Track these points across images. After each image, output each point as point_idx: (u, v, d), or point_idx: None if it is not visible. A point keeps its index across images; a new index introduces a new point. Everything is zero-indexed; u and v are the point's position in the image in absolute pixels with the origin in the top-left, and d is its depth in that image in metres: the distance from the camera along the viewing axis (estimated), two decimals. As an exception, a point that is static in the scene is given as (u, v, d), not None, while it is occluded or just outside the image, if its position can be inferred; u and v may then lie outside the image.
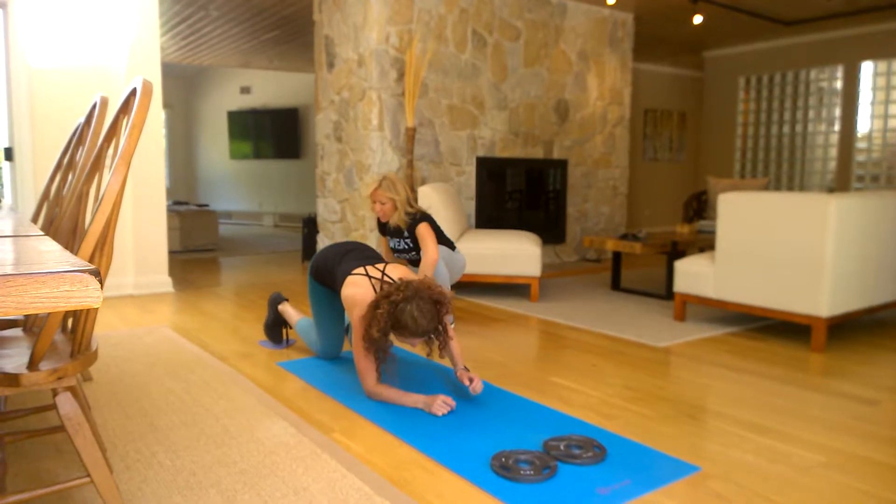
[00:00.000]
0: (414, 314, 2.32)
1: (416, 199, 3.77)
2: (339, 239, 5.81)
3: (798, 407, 2.55)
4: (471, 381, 2.47)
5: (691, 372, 3.00)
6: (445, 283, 3.61)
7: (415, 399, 2.47)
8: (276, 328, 3.35)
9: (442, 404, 2.40)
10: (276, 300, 3.34)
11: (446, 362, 2.93)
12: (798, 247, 3.36)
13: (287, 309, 3.30)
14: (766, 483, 1.90)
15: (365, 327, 2.40)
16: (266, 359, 3.12)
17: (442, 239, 3.80)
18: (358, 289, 2.58)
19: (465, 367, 2.57)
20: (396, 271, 2.66)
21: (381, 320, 2.33)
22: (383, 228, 3.93)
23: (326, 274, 2.86)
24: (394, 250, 3.88)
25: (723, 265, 3.69)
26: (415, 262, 3.81)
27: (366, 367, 2.52)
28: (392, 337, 2.44)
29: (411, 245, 3.76)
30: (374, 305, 2.38)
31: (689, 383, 2.83)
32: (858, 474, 1.97)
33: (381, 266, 2.68)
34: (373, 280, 2.62)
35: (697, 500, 1.79)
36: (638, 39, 7.75)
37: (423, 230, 3.64)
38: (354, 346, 2.53)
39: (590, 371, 2.99)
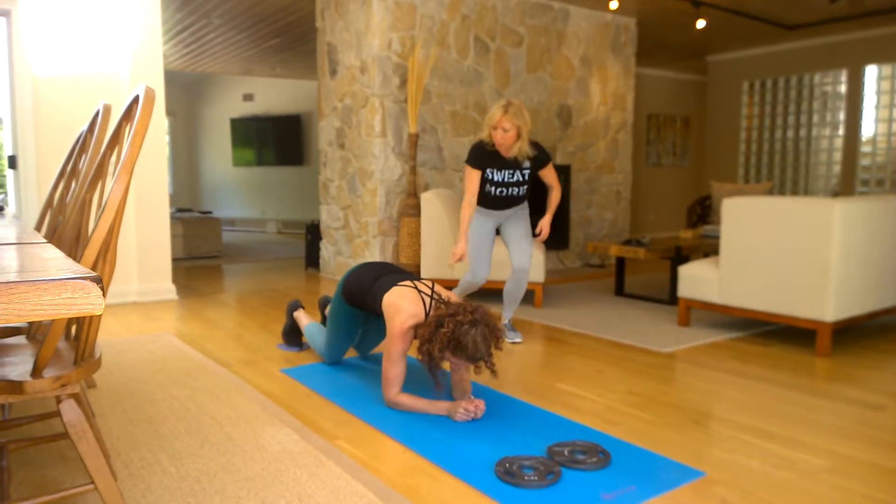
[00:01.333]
0: (477, 339, 2.32)
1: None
2: (343, 246, 5.81)
3: (803, 412, 2.54)
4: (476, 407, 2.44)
5: (696, 377, 2.99)
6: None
7: (438, 406, 2.46)
8: (293, 334, 3.43)
9: (464, 412, 2.39)
10: (293, 307, 3.42)
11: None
12: (803, 251, 3.35)
13: (300, 316, 3.37)
14: (771, 489, 1.89)
15: (424, 342, 2.38)
16: (270, 366, 3.12)
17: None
18: (404, 300, 2.53)
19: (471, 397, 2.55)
20: (443, 290, 2.65)
21: (444, 339, 2.32)
22: (482, 159, 3.47)
23: (358, 293, 2.79)
24: (498, 184, 3.49)
25: (727, 270, 3.69)
26: (516, 200, 3.58)
27: (394, 377, 2.50)
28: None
29: (526, 178, 3.53)
30: (438, 323, 2.35)
31: (694, 389, 2.82)
32: (864, 480, 1.96)
33: (428, 282, 2.66)
34: (422, 294, 2.57)
35: (703, 507, 1.78)
36: (641, 44, 7.76)
37: (552, 172, 3.60)
38: (387, 354, 2.50)
39: (594, 377, 2.98)
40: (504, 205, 3.57)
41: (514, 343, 3.59)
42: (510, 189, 3.52)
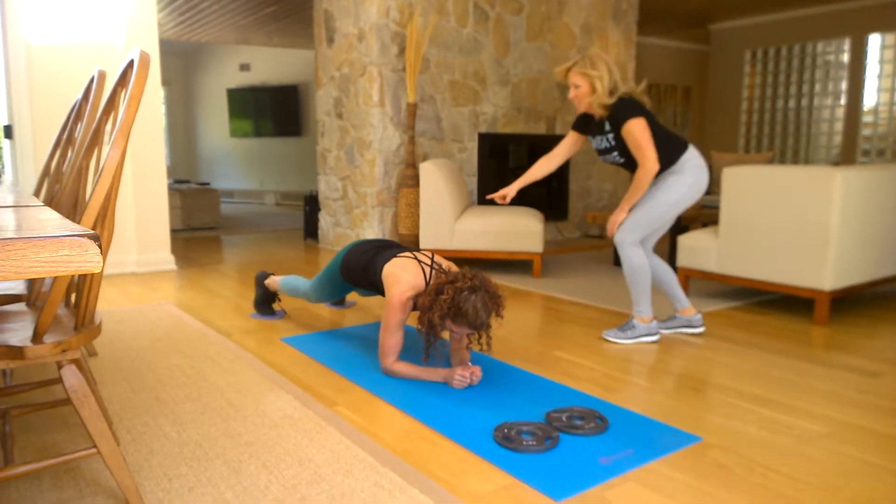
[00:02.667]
0: (477, 305, 2.30)
1: (621, 84, 2.91)
2: (341, 217, 5.80)
3: (800, 379, 2.56)
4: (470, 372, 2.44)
5: (693, 346, 3.00)
6: (636, 277, 2.98)
7: (435, 373, 2.47)
8: (265, 304, 3.45)
9: (460, 378, 2.40)
10: (262, 276, 3.43)
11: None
12: (802, 220, 3.35)
13: (272, 281, 3.37)
14: (767, 453, 1.91)
15: (424, 310, 2.37)
16: (270, 334, 3.14)
17: (665, 142, 2.90)
18: (404, 270, 2.52)
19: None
20: (443, 260, 2.63)
21: (444, 306, 2.31)
22: (581, 122, 3.13)
23: (357, 267, 2.77)
24: (598, 152, 3.09)
25: (726, 239, 3.68)
26: (626, 167, 3.04)
27: (391, 346, 2.51)
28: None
29: (613, 143, 2.96)
30: (438, 290, 2.35)
31: (692, 357, 2.84)
32: (860, 444, 1.98)
33: (427, 253, 2.66)
34: (422, 265, 2.56)
35: (699, 470, 1.80)
36: (642, 12, 7.66)
37: (636, 129, 2.82)
38: (385, 323, 2.50)
39: (592, 345, 3.00)
40: (630, 166, 3.03)
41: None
42: (606, 157, 3.05)
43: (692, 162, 2.94)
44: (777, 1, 7.80)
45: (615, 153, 2.99)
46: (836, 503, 1.64)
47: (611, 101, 2.89)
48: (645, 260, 3.00)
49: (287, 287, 3.25)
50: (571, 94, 2.97)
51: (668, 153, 2.92)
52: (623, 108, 2.86)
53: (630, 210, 2.98)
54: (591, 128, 3.07)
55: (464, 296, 2.30)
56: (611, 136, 2.96)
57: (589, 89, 2.91)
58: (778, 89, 8.69)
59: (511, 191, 3.21)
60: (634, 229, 2.96)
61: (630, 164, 3.01)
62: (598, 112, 2.95)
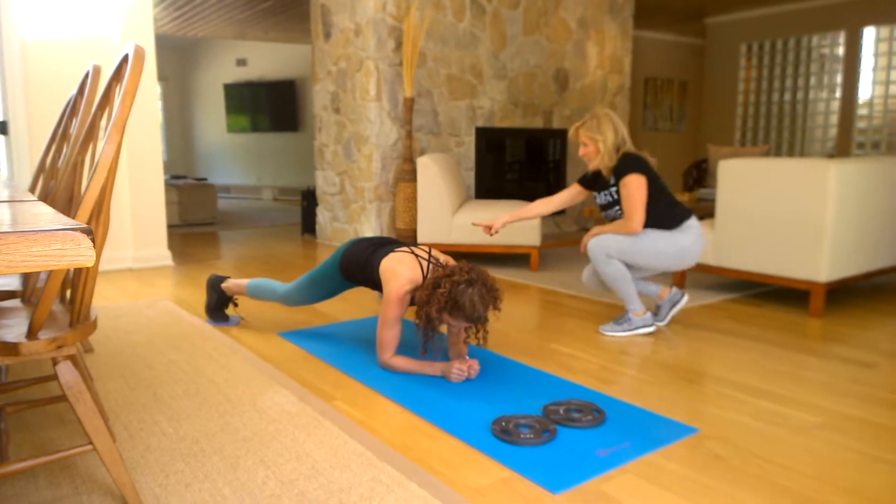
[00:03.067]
0: (474, 298, 2.30)
1: (629, 140, 3.05)
2: (339, 211, 5.79)
3: (796, 371, 2.56)
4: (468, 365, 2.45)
5: (690, 338, 3.01)
6: (616, 279, 3.01)
7: (432, 367, 2.47)
8: (219, 309, 3.22)
9: (457, 372, 2.40)
10: (216, 280, 3.19)
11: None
12: (798, 213, 3.35)
13: (230, 285, 3.15)
14: (763, 444, 1.92)
15: (422, 304, 2.37)
16: (267, 330, 3.13)
17: (660, 208, 2.98)
18: (402, 265, 2.51)
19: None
20: (441, 255, 2.63)
21: (441, 300, 2.31)
22: (589, 178, 3.23)
23: (356, 263, 2.72)
24: (601, 207, 3.17)
25: (722, 232, 3.69)
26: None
27: (388, 340, 2.51)
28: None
29: (616, 198, 3.03)
30: (435, 284, 2.35)
31: (688, 349, 2.85)
32: (855, 435, 1.99)
33: (425, 247, 2.65)
34: (420, 259, 2.55)
35: (695, 461, 1.81)
36: (638, 6, 7.65)
37: (633, 184, 2.91)
38: (383, 317, 2.50)
39: (589, 338, 3.00)
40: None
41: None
42: (608, 213, 3.13)
43: (694, 229, 3.02)
44: (773, -6, 7.80)
45: (617, 207, 3.06)
46: (831, 493, 1.65)
47: (616, 157, 3.00)
48: (620, 265, 3.02)
49: (257, 290, 3.07)
50: (581, 151, 3.08)
51: (675, 215, 3.01)
52: (628, 163, 2.96)
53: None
54: (597, 184, 3.16)
55: (461, 289, 2.30)
56: (614, 190, 3.04)
57: (595, 150, 3.03)
58: (773, 82, 8.69)
59: (498, 224, 3.20)
60: (609, 247, 3.00)
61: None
62: (605, 168, 3.04)
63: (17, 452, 1.85)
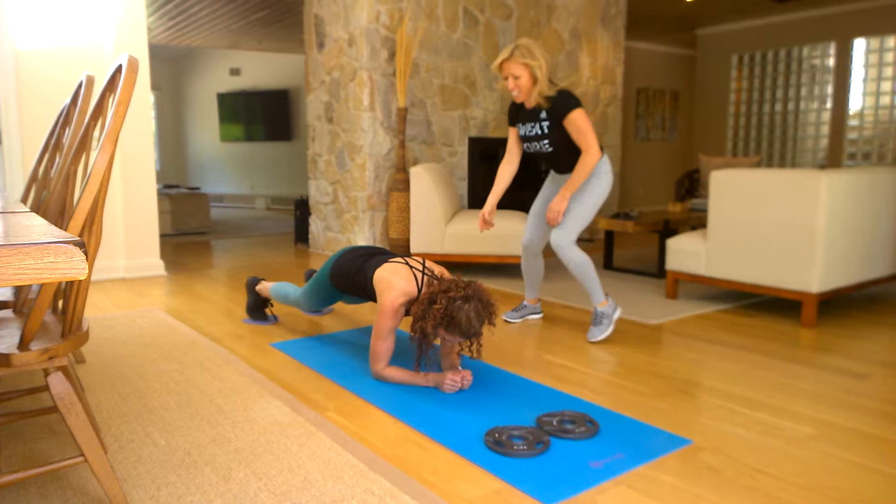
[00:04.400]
0: (470, 315, 2.30)
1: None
2: (332, 221, 5.79)
3: (789, 381, 2.57)
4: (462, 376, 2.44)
5: (683, 348, 3.02)
6: (584, 271, 3.05)
7: (425, 378, 2.47)
8: (258, 309, 3.43)
9: (451, 383, 2.40)
10: (253, 282, 3.40)
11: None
12: (789, 224, 3.37)
13: (263, 287, 3.35)
14: (757, 455, 1.92)
15: (417, 319, 2.37)
16: (260, 340, 3.12)
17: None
18: (396, 276, 2.51)
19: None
20: (435, 266, 2.63)
21: (437, 315, 2.30)
22: (512, 112, 3.16)
23: (348, 274, 2.74)
24: (524, 138, 3.11)
25: (714, 243, 3.70)
26: (550, 158, 3.11)
27: (382, 352, 2.50)
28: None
29: (547, 132, 3.00)
30: (431, 300, 2.34)
31: (681, 359, 2.85)
32: (848, 446, 1.99)
33: (419, 258, 2.65)
34: (414, 270, 2.55)
35: (689, 473, 1.81)
36: (630, 17, 7.71)
37: (580, 118, 2.89)
38: (376, 329, 2.49)
39: (582, 348, 3.01)
40: (548, 164, 3.17)
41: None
42: (533, 144, 3.09)
43: (606, 166, 3.08)
44: (763, 6, 7.87)
45: (545, 141, 3.03)
46: (824, 505, 1.65)
47: (553, 90, 2.93)
48: (585, 254, 3.09)
49: (277, 294, 3.23)
50: (511, 84, 2.94)
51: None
52: (567, 98, 2.93)
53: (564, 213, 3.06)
54: (520, 116, 3.08)
55: (457, 305, 2.30)
56: (546, 124, 2.98)
57: (530, 79, 2.91)
58: (765, 93, 8.76)
59: (488, 210, 3.22)
60: (572, 232, 3.05)
61: (554, 157, 3.08)
62: (536, 101, 2.95)
63: (7, 464, 1.83)
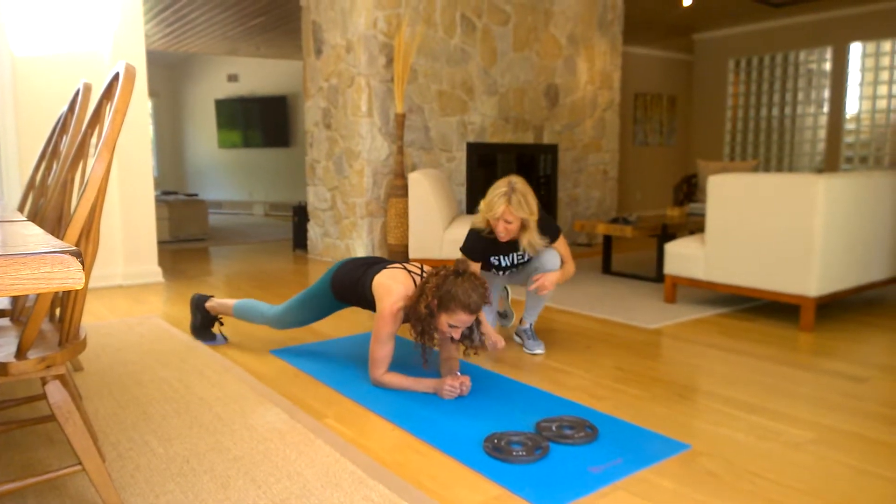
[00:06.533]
0: (465, 286, 2.31)
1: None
2: (330, 227, 5.79)
3: (788, 385, 2.57)
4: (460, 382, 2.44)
5: (682, 353, 3.01)
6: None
7: (424, 384, 2.46)
8: (205, 329, 3.19)
9: (450, 388, 2.39)
10: (200, 300, 3.17)
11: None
12: (787, 227, 3.37)
13: (215, 305, 3.13)
14: (756, 460, 1.92)
15: (412, 305, 2.38)
16: (258, 347, 3.12)
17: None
18: (395, 281, 2.50)
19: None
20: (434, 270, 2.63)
21: (430, 294, 2.31)
22: (483, 250, 3.07)
23: (349, 283, 2.71)
24: (507, 267, 3.13)
25: (713, 247, 3.71)
26: (507, 267, 3.15)
27: (381, 357, 2.50)
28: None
29: (525, 260, 3.12)
30: (424, 281, 2.38)
31: (680, 364, 2.85)
32: (848, 450, 1.99)
33: (417, 264, 2.66)
34: (413, 275, 2.55)
35: (688, 478, 1.81)
36: (628, 22, 7.73)
37: (563, 247, 3.07)
38: (376, 334, 2.48)
39: (581, 353, 3.00)
40: (505, 272, 3.19)
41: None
42: (502, 272, 3.16)
43: None
44: (759, 10, 7.90)
45: (514, 269, 3.12)
46: (824, 509, 1.65)
47: (544, 240, 2.99)
48: None
49: (244, 312, 3.04)
50: (501, 227, 2.89)
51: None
52: (551, 224, 3.03)
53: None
54: (499, 250, 3.06)
55: (450, 280, 2.32)
56: (526, 254, 3.04)
57: (519, 227, 2.91)
58: (762, 98, 8.78)
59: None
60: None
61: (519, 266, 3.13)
62: (530, 246, 2.97)
63: (5, 473, 1.83)
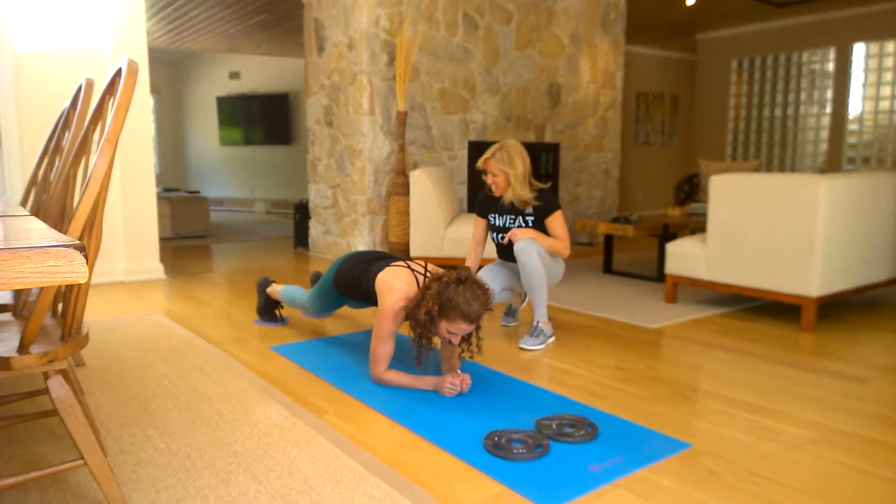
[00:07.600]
0: (466, 295, 2.30)
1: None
2: (332, 225, 5.79)
3: (788, 386, 2.57)
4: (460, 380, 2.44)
5: (682, 352, 3.02)
6: (541, 282, 3.06)
7: (424, 382, 2.47)
8: (268, 311, 3.45)
9: (450, 386, 2.39)
10: (264, 284, 3.43)
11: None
12: (789, 228, 3.37)
13: (273, 289, 3.38)
14: (756, 459, 1.92)
15: (413, 309, 2.37)
16: (259, 343, 3.12)
17: None
18: (398, 279, 2.51)
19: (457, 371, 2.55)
20: (436, 269, 2.61)
21: (431, 301, 2.30)
22: (484, 204, 3.30)
23: (351, 279, 2.74)
24: (498, 229, 3.25)
25: (714, 247, 3.71)
26: (508, 247, 3.22)
27: (381, 355, 2.50)
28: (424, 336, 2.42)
29: (530, 225, 3.19)
30: (425, 287, 2.37)
31: (681, 363, 2.85)
32: (848, 450, 1.99)
33: (421, 262, 2.66)
34: (416, 273, 2.55)
35: (688, 476, 1.81)
36: (630, 22, 7.72)
37: (559, 223, 3.15)
38: (377, 332, 2.49)
39: (582, 352, 3.01)
40: (504, 253, 3.29)
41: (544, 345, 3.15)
42: (501, 234, 3.26)
43: (564, 265, 3.35)
44: (762, 11, 7.89)
45: (505, 235, 3.21)
46: (824, 509, 1.65)
47: (533, 193, 3.14)
48: (544, 269, 3.11)
49: (285, 297, 3.26)
50: (489, 179, 3.17)
51: None
52: (552, 199, 3.18)
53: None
54: (497, 208, 3.25)
55: (451, 287, 2.31)
56: (530, 219, 3.18)
57: (504, 181, 3.13)
58: (764, 98, 8.77)
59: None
60: (540, 251, 3.06)
61: (509, 248, 3.21)
62: (516, 199, 3.14)
63: (7, 467, 1.83)
